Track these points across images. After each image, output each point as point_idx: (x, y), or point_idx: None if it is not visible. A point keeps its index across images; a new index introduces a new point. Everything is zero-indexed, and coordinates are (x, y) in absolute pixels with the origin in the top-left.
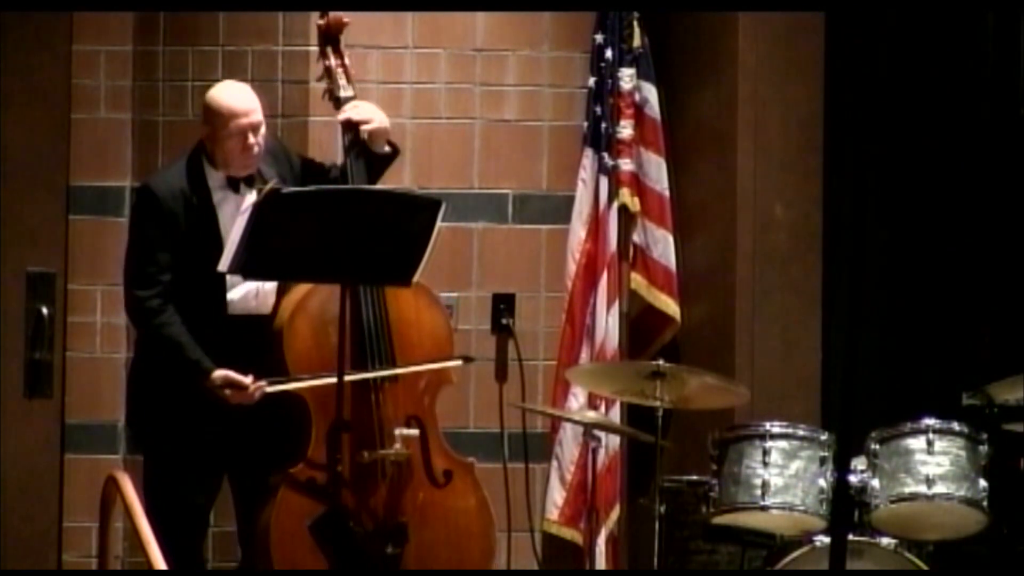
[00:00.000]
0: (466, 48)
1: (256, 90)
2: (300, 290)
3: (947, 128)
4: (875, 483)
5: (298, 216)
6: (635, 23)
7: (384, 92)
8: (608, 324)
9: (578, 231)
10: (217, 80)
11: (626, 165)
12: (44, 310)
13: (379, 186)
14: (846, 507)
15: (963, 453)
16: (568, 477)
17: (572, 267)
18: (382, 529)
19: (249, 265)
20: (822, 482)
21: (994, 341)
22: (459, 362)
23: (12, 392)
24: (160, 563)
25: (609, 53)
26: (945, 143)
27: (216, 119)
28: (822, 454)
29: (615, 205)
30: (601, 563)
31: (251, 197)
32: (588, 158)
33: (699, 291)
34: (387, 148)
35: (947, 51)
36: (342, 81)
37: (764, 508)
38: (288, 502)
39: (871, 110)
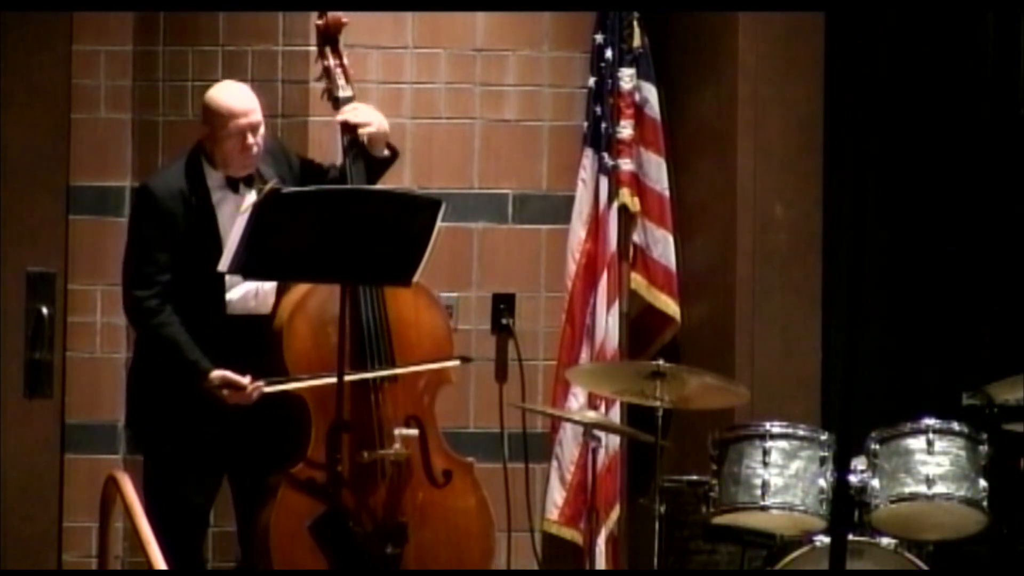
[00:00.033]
0: (466, 48)
1: (256, 90)
2: (299, 290)
3: (947, 128)
4: (875, 483)
5: (298, 216)
6: (635, 23)
7: (384, 92)
8: (608, 324)
9: (578, 231)
10: (217, 80)
11: (626, 165)
12: (44, 310)
13: (379, 186)
14: (846, 507)
15: (963, 453)
16: (568, 477)
17: (572, 267)
18: (382, 529)
19: (249, 265)
20: (822, 482)
21: (994, 341)
22: (457, 362)
23: (12, 392)
24: (160, 563)
25: (609, 53)
26: (945, 143)
27: (215, 119)
28: (822, 454)
29: (615, 205)
30: (601, 563)
31: (250, 197)
32: (588, 158)
33: (699, 291)
34: (386, 152)
35: (947, 51)
36: (341, 81)
37: (764, 508)
38: (288, 502)
39: (871, 110)
